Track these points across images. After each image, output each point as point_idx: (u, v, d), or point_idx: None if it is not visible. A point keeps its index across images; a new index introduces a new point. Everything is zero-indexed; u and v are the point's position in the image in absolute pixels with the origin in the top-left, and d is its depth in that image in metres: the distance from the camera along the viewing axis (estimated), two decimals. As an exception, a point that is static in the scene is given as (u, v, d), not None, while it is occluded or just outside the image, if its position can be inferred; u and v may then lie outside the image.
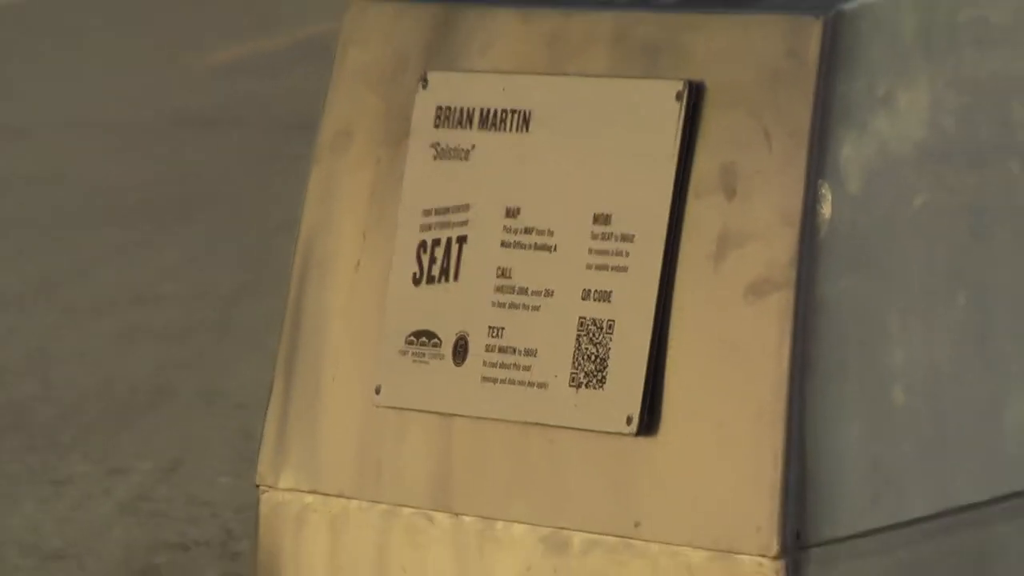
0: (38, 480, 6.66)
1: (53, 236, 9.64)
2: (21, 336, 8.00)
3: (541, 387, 1.98)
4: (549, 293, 2.03)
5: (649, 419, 1.91)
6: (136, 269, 8.65)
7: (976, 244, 2.09)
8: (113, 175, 10.99)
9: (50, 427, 7.11)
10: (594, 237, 2.00)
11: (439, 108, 2.10)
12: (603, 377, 1.94)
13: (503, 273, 2.02)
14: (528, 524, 2.03)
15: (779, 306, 1.89)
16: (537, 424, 2.00)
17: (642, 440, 1.93)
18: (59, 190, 10.76)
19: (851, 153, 1.92)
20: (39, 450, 6.75)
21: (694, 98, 1.94)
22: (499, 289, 2.04)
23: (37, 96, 12.86)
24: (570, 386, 1.95)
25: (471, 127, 2.09)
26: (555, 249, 2.01)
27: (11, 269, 8.98)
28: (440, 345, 2.08)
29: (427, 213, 2.14)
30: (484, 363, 2.03)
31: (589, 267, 1.99)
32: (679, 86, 1.96)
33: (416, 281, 2.08)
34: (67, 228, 10.05)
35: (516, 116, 2.07)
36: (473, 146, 2.09)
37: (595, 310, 1.97)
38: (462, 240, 2.09)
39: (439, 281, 2.09)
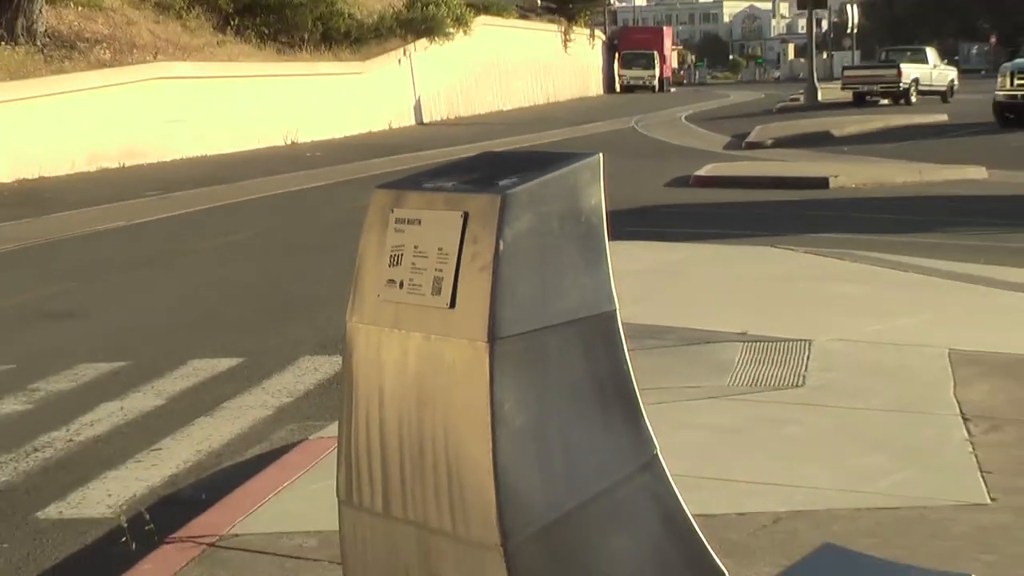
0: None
1: (286, 257, 10.35)
2: (259, 293, 8.85)
3: (423, 295, 2.50)
4: (426, 269, 2.54)
5: (453, 303, 2.43)
6: (318, 270, 8.94)
7: (542, 256, 2.51)
8: (309, 239, 11.34)
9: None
10: (438, 257, 2.52)
11: (397, 219, 2.59)
12: (440, 292, 2.47)
13: (413, 265, 2.54)
14: (416, 332, 2.52)
15: (487, 275, 2.37)
16: (422, 306, 2.50)
17: (451, 310, 2.43)
18: (285, 239, 11.36)
19: (509, 232, 2.39)
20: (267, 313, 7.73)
21: (466, 217, 2.45)
22: (412, 270, 2.54)
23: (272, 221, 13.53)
24: (431, 294, 2.48)
25: (405, 224, 2.58)
26: (427, 257, 2.53)
27: (279, 273, 9.63)
28: (395, 283, 2.56)
29: (392, 247, 2.60)
30: (407, 289, 2.53)
31: (438, 265, 2.52)
32: (461, 214, 2.47)
33: (389, 265, 2.59)
34: (288, 252, 10.61)
35: (416, 222, 2.56)
36: (405, 229, 2.60)
37: (438, 276, 2.51)
38: (402, 255, 2.59)
39: (395, 266, 2.58)
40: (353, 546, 2.68)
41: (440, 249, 2.47)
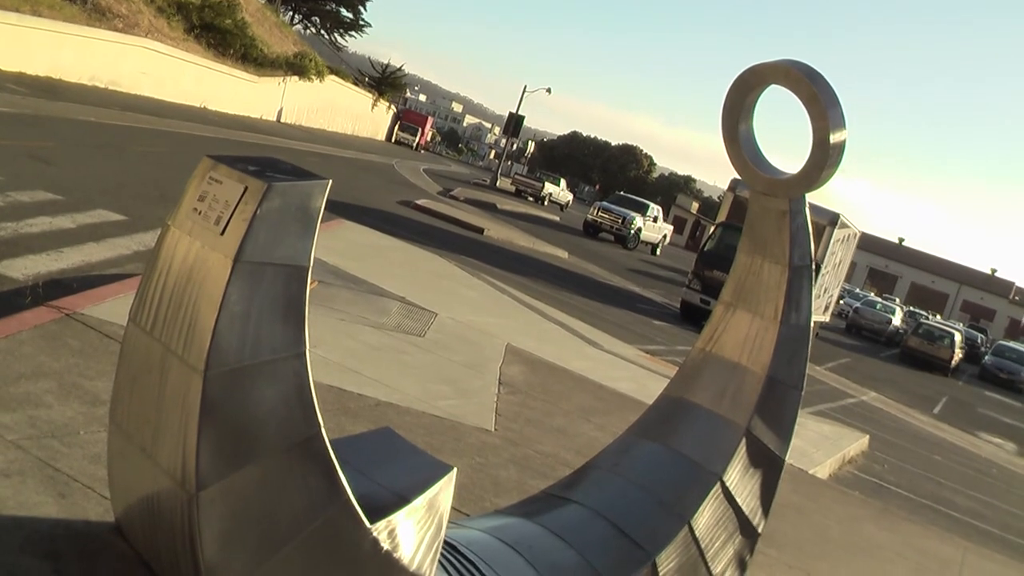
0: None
1: (179, 168, 13.63)
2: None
3: (209, 223, 2.84)
4: (216, 210, 2.79)
5: (223, 233, 2.81)
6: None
7: (278, 224, 2.87)
8: (196, 160, 12.66)
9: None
10: (224, 206, 2.80)
11: (210, 177, 2.87)
12: (218, 224, 2.83)
13: (210, 205, 2.76)
14: (198, 241, 2.78)
15: (244, 225, 2.71)
16: (207, 228, 2.85)
17: (221, 236, 2.77)
18: (183, 161, 14.74)
19: (264, 206, 2.74)
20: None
21: (245, 190, 2.79)
22: (208, 207, 2.81)
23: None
24: (213, 224, 2.85)
25: (214, 182, 2.89)
26: (218, 203, 2.80)
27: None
28: (197, 212, 2.85)
29: (202, 191, 2.99)
30: (202, 216, 2.82)
31: (223, 210, 2.79)
32: (244, 187, 2.80)
33: (198, 200, 2.87)
34: (183, 164, 13.82)
35: (219, 182, 2.88)
36: (212, 184, 2.87)
37: (220, 216, 2.79)
38: (207, 197, 2.88)
39: (201, 202, 2.88)
40: (127, 344, 3.48)
41: (227, 202, 3.09)
